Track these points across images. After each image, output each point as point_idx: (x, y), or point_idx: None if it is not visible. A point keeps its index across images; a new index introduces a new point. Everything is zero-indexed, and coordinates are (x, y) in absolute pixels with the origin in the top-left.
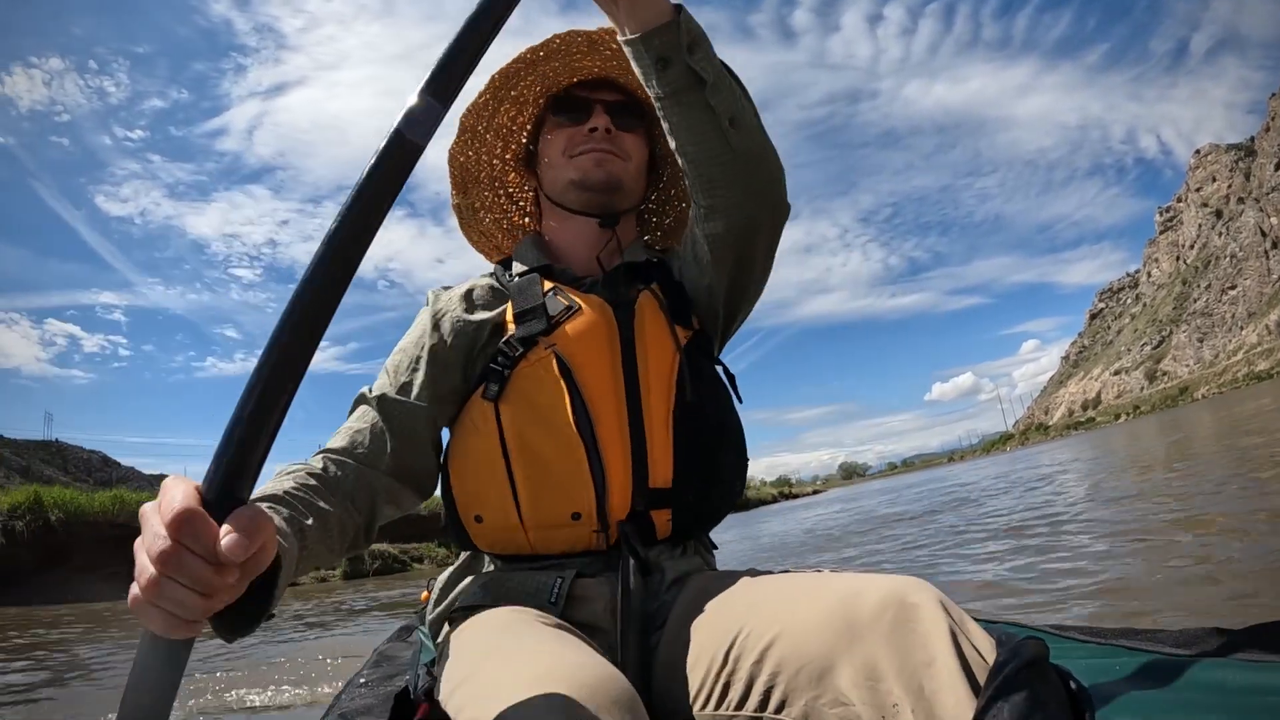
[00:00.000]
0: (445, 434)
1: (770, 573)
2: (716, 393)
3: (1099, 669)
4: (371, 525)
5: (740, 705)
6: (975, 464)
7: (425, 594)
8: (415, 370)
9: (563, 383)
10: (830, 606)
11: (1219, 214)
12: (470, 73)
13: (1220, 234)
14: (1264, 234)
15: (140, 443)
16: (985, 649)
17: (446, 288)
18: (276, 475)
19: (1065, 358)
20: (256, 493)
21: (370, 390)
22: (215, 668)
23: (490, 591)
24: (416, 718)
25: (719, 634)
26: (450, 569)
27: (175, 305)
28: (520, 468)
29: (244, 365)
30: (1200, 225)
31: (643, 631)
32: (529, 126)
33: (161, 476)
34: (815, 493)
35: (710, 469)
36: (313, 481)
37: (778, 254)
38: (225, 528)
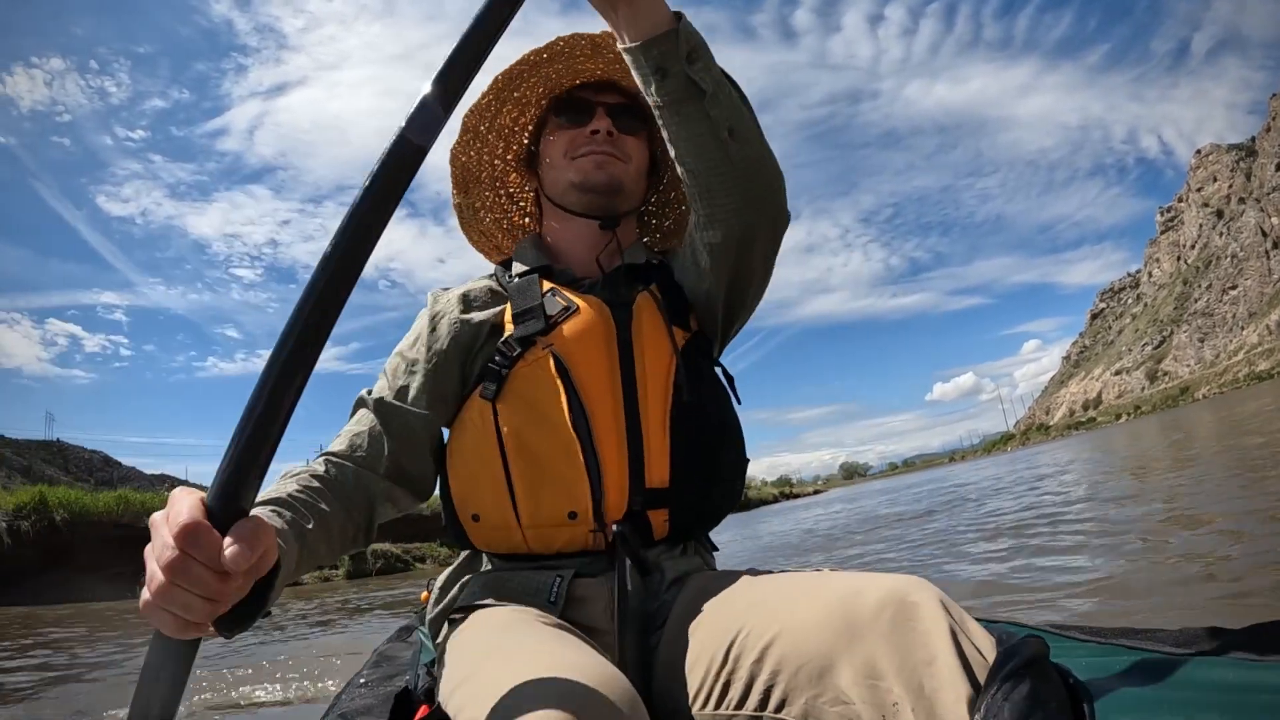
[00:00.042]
0: (446, 433)
1: (770, 572)
2: (715, 394)
3: (1099, 668)
4: (370, 526)
5: (740, 704)
6: (976, 464)
7: (425, 594)
8: (413, 373)
9: (560, 382)
10: (830, 605)
11: (1220, 214)
12: (473, 77)
13: (1221, 234)
14: (1265, 234)
15: (141, 443)
16: (985, 647)
17: (446, 289)
18: (281, 478)
19: (1066, 358)
20: (262, 494)
21: (369, 393)
22: (221, 666)
23: (490, 591)
24: (416, 718)
25: (719, 633)
26: (449, 569)
27: (176, 305)
28: (517, 467)
29: (245, 365)
30: (1201, 225)
31: (642, 631)
32: (531, 128)
33: (162, 476)
34: (816, 493)
35: (708, 469)
36: (315, 484)
37: (778, 255)
38: (229, 539)
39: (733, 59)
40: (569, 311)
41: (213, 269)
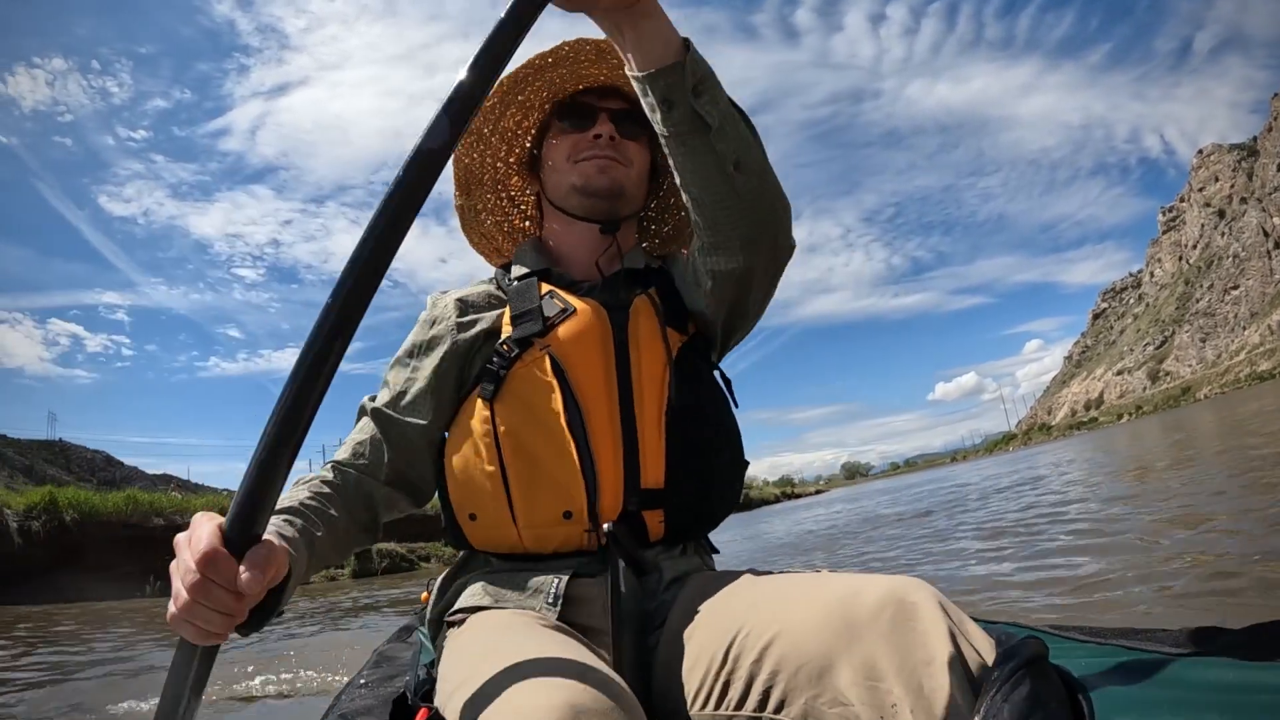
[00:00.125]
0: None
1: (770, 573)
2: (711, 396)
3: (1098, 668)
4: (375, 529)
5: (740, 705)
6: (977, 464)
7: (425, 594)
8: (412, 380)
9: (556, 383)
10: (829, 606)
11: (1222, 214)
12: (486, 92)
13: (1223, 234)
14: (1266, 234)
15: (143, 442)
16: (984, 648)
17: (444, 293)
18: (294, 485)
19: (1068, 357)
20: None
21: (371, 401)
22: (231, 660)
23: (489, 593)
24: None
25: (718, 633)
26: (448, 570)
27: (178, 305)
28: (513, 466)
29: (247, 365)
30: (1203, 225)
31: (640, 631)
32: (533, 131)
33: (165, 476)
34: (818, 492)
35: (704, 471)
36: (325, 490)
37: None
38: (244, 565)
39: (734, 59)
40: (566, 314)
41: (214, 269)
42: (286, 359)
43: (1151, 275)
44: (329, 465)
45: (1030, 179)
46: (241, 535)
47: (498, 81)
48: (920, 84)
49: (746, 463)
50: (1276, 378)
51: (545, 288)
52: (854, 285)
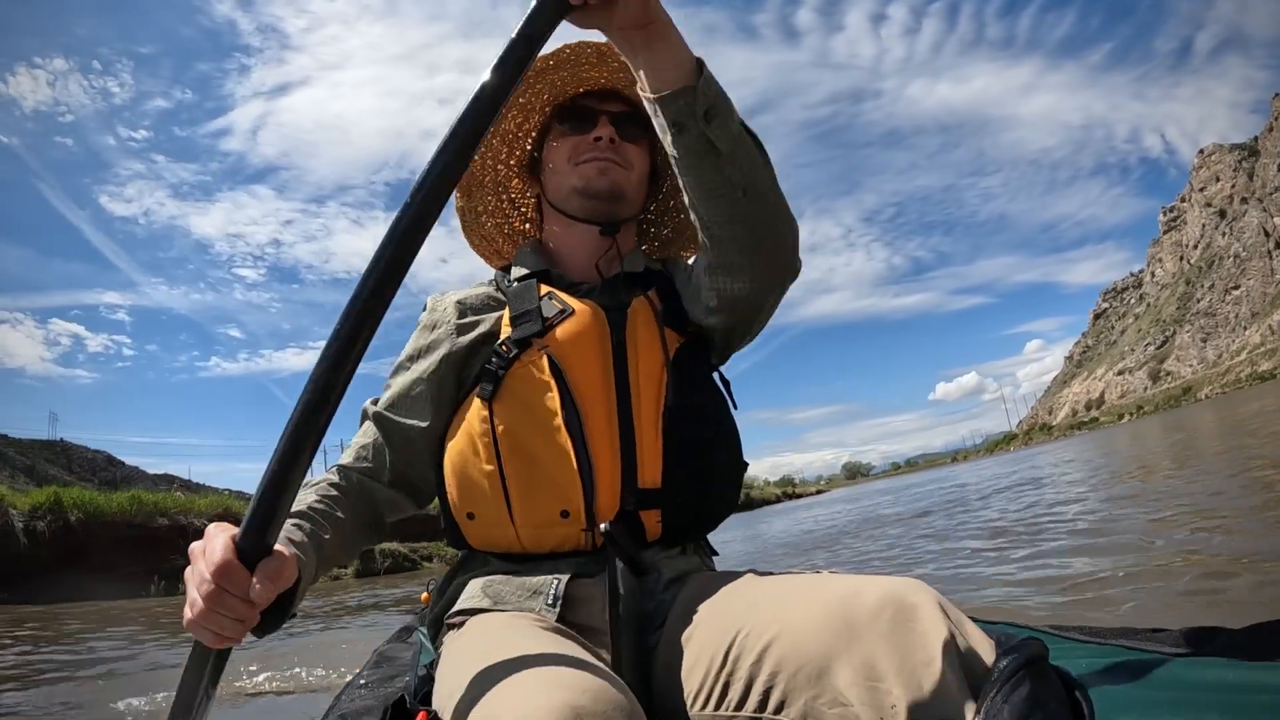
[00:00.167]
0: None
1: (770, 573)
2: (710, 397)
3: (1098, 668)
4: (380, 529)
5: (740, 705)
6: (978, 464)
7: (425, 595)
8: (412, 383)
9: (554, 383)
10: (829, 606)
11: (1222, 214)
12: (502, 103)
13: (1224, 234)
14: (1267, 234)
15: (144, 442)
16: (984, 649)
17: (443, 294)
18: (301, 488)
19: (1069, 357)
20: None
21: (373, 404)
22: (235, 657)
23: (488, 595)
24: None
25: (718, 634)
26: (448, 570)
27: (179, 305)
28: (511, 465)
29: (247, 365)
30: (1204, 225)
31: (640, 632)
32: (534, 134)
33: (166, 476)
34: (819, 492)
35: (702, 471)
36: (332, 492)
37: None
38: (256, 576)
39: (734, 59)
40: (565, 314)
41: (215, 269)
42: (287, 359)
43: (1152, 275)
44: (334, 468)
45: (1031, 179)
46: (254, 547)
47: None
48: (921, 84)
49: (746, 463)
50: (1277, 378)
51: (544, 289)
52: (855, 285)
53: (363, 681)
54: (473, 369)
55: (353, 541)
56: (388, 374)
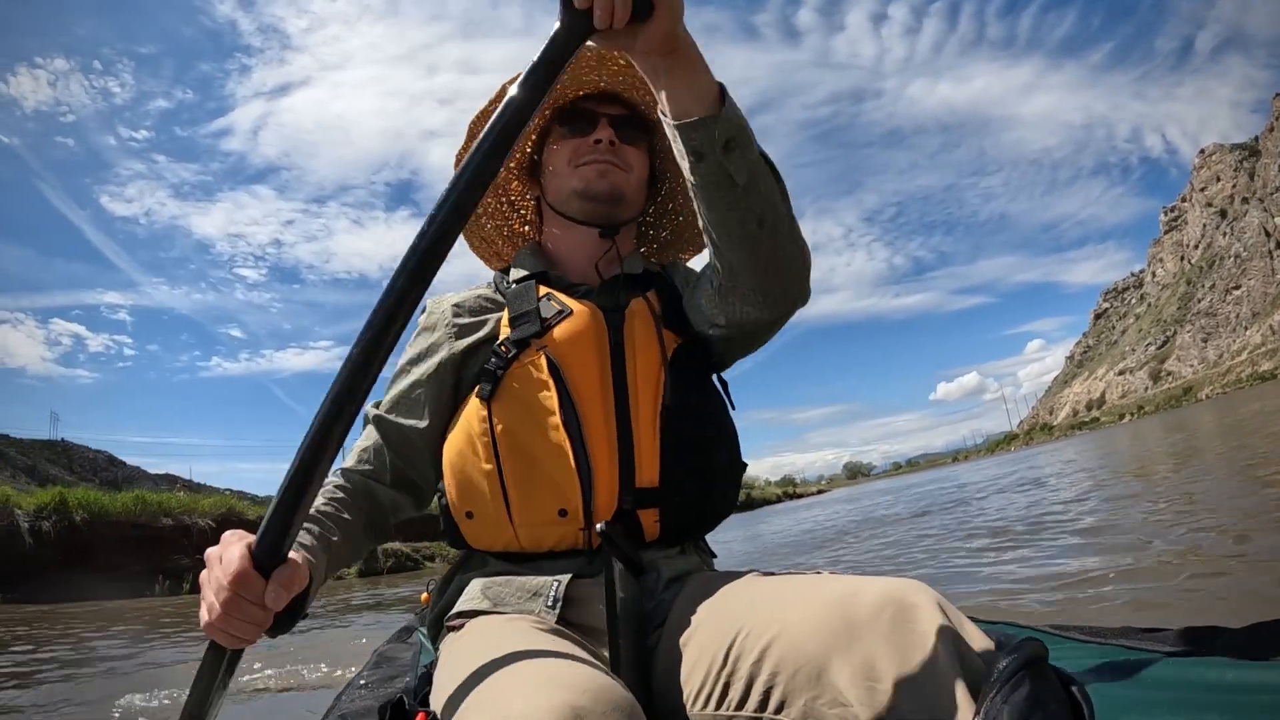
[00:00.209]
0: None
1: (770, 573)
2: (708, 397)
3: (1098, 668)
4: (384, 530)
5: (740, 705)
6: (979, 464)
7: (425, 595)
8: (411, 385)
9: (552, 383)
10: (829, 607)
11: (1223, 214)
12: (525, 124)
13: (1225, 234)
14: (1268, 234)
15: (145, 442)
16: (984, 650)
17: (442, 297)
18: None
19: (1070, 357)
20: None
21: (375, 407)
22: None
23: (488, 596)
24: None
25: (718, 634)
26: (446, 571)
27: (180, 305)
28: (509, 464)
29: (249, 365)
30: (1205, 225)
31: (640, 631)
32: (533, 136)
33: (168, 476)
34: (820, 492)
35: (700, 471)
36: (339, 495)
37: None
38: (271, 584)
39: (735, 59)
40: (563, 315)
41: (216, 269)
42: (288, 359)
43: (1153, 275)
44: (337, 471)
45: (1032, 179)
46: (270, 556)
47: (500, 89)
48: (922, 84)
49: (744, 464)
50: (1278, 378)
51: (543, 290)
52: (855, 285)
53: (363, 682)
54: (471, 370)
55: (359, 543)
56: (388, 374)
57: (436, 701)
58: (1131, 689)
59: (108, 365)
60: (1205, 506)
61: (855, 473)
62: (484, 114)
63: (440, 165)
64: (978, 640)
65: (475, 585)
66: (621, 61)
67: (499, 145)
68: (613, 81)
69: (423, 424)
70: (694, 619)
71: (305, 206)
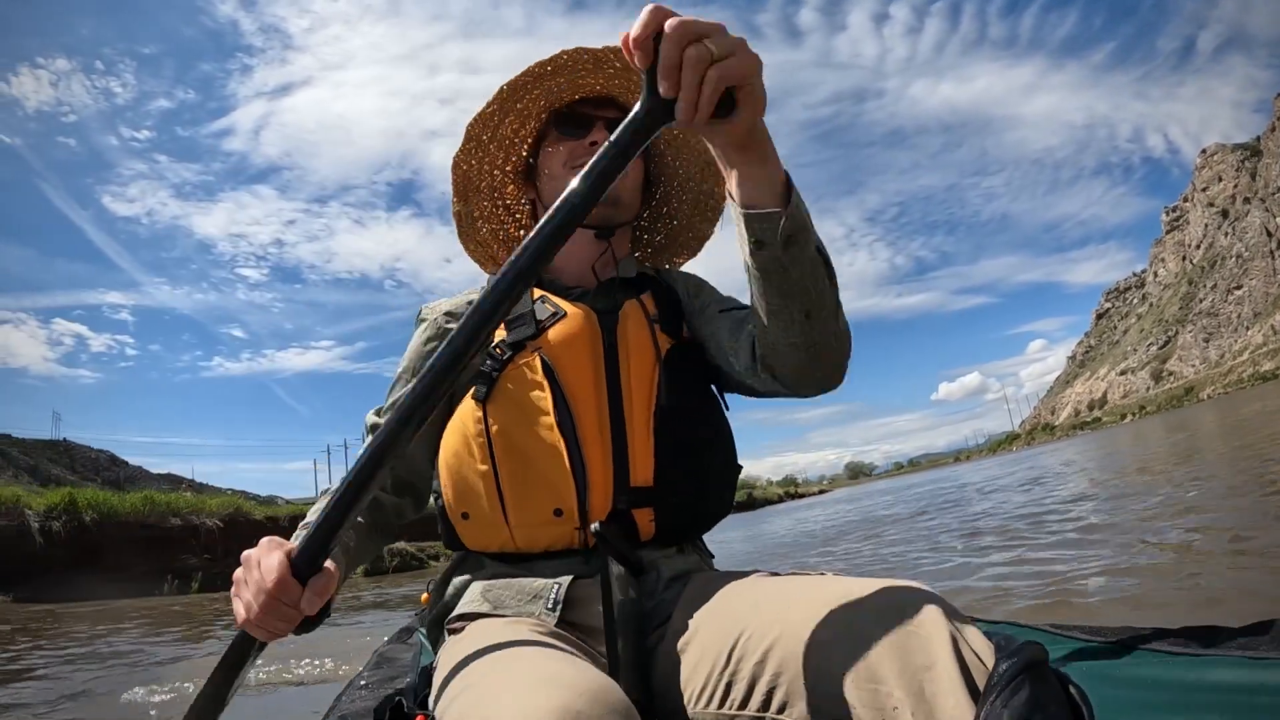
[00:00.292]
0: None
1: (774, 574)
2: (702, 399)
3: (1098, 668)
4: (390, 532)
5: (743, 705)
6: (980, 464)
7: (425, 595)
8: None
9: (546, 383)
10: (832, 608)
11: (1225, 214)
12: (594, 202)
13: (1226, 234)
14: (1270, 234)
15: (147, 442)
16: (984, 652)
17: (436, 303)
18: (322, 495)
19: (1072, 357)
20: (312, 514)
21: (374, 415)
22: None
23: (488, 599)
24: None
25: (721, 634)
26: (443, 571)
27: (182, 305)
28: (504, 465)
29: (250, 365)
30: (1206, 225)
31: (640, 631)
32: (530, 140)
33: (170, 476)
34: (821, 492)
35: (694, 471)
36: None
37: None
38: (308, 590)
39: None
40: (557, 317)
41: (218, 269)
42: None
43: (1155, 275)
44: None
45: (1034, 178)
46: (308, 566)
47: (499, 91)
48: (923, 83)
49: (740, 466)
50: (1279, 378)
51: (538, 293)
52: (857, 285)
53: (363, 682)
54: (466, 374)
55: (371, 545)
56: (388, 374)
57: (435, 704)
58: (1132, 689)
59: (110, 365)
60: (1205, 506)
61: (857, 472)
62: (482, 116)
63: (442, 165)
64: (979, 643)
65: (475, 588)
66: (618, 64)
67: (555, 234)
68: (609, 85)
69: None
70: (696, 619)
71: (307, 206)
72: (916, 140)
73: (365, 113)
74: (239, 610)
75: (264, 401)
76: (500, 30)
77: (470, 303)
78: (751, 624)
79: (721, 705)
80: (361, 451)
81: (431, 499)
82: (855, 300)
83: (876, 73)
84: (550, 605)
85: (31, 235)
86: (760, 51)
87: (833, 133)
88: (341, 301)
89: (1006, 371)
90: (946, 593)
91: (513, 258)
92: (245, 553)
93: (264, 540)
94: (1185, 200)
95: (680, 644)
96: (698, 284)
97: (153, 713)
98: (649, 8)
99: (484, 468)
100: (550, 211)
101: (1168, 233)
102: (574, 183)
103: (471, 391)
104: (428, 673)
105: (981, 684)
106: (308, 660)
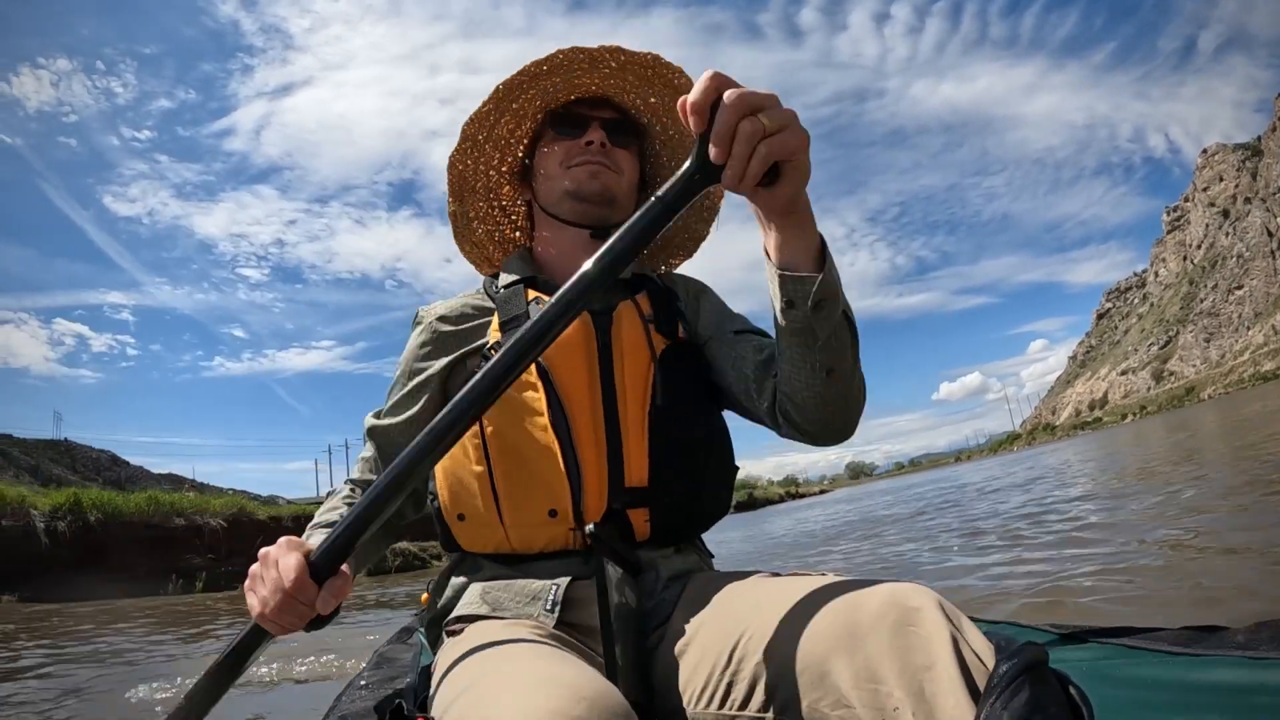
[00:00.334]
0: None
1: (774, 574)
2: (698, 399)
3: (1099, 668)
4: (393, 533)
5: (744, 705)
6: (981, 464)
7: (425, 596)
8: (404, 396)
9: (540, 384)
10: (833, 609)
11: (1226, 214)
12: (631, 259)
13: (1227, 234)
14: (1270, 234)
15: (148, 442)
16: (985, 653)
17: (432, 305)
18: (328, 497)
19: (1072, 357)
20: (319, 517)
21: (373, 418)
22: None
23: (487, 601)
24: None
25: (722, 634)
26: (440, 573)
27: (183, 305)
28: (499, 466)
29: (251, 365)
30: (1207, 225)
31: (639, 631)
32: (526, 141)
33: (171, 476)
34: (822, 492)
35: (689, 472)
36: (354, 501)
37: None
38: (324, 591)
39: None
40: None
41: (219, 269)
42: (290, 359)
43: (1156, 275)
44: (346, 482)
45: (1034, 178)
46: (326, 568)
47: (495, 91)
48: (924, 83)
49: (736, 466)
50: None
51: (532, 294)
52: (858, 285)
53: (363, 682)
54: (462, 375)
55: (375, 546)
56: (388, 374)
57: (435, 706)
58: (1131, 689)
59: (110, 365)
60: (1205, 506)
61: (858, 472)
62: (478, 116)
63: (442, 165)
64: (979, 643)
65: (474, 589)
66: (614, 65)
67: (574, 302)
68: (604, 85)
69: (416, 432)
70: (697, 619)
71: (308, 206)
72: (917, 140)
73: (366, 113)
74: (253, 604)
75: (265, 401)
76: (500, 30)
77: (470, 304)
78: (753, 625)
79: (722, 706)
80: (383, 474)
81: (428, 500)
82: (856, 300)
83: (877, 72)
84: (549, 607)
85: (32, 235)
86: (761, 52)
87: (834, 133)
88: (342, 301)
89: (1007, 371)
90: (946, 593)
91: (545, 308)
92: (263, 550)
93: (282, 540)
94: (1186, 200)
95: (680, 644)
96: (699, 289)
97: (157, 709)
98: (709, 74)
99: (479, 469)
100: (601, 251)
101: (1169, 232)
102: (614, 239)
103: None
104: (427, 673)
105: (982, 684)
106: (310, 658)
